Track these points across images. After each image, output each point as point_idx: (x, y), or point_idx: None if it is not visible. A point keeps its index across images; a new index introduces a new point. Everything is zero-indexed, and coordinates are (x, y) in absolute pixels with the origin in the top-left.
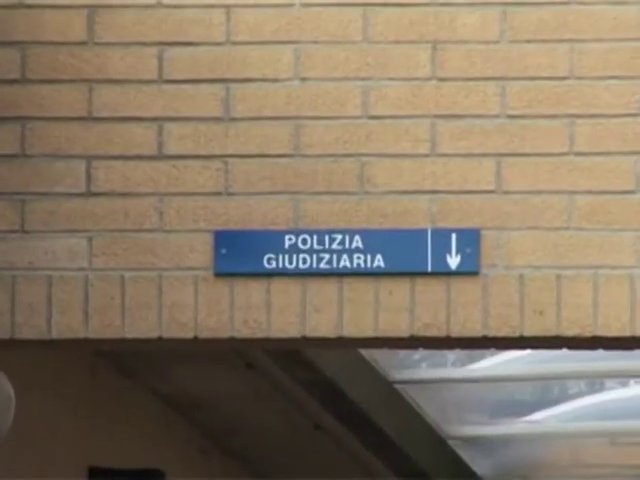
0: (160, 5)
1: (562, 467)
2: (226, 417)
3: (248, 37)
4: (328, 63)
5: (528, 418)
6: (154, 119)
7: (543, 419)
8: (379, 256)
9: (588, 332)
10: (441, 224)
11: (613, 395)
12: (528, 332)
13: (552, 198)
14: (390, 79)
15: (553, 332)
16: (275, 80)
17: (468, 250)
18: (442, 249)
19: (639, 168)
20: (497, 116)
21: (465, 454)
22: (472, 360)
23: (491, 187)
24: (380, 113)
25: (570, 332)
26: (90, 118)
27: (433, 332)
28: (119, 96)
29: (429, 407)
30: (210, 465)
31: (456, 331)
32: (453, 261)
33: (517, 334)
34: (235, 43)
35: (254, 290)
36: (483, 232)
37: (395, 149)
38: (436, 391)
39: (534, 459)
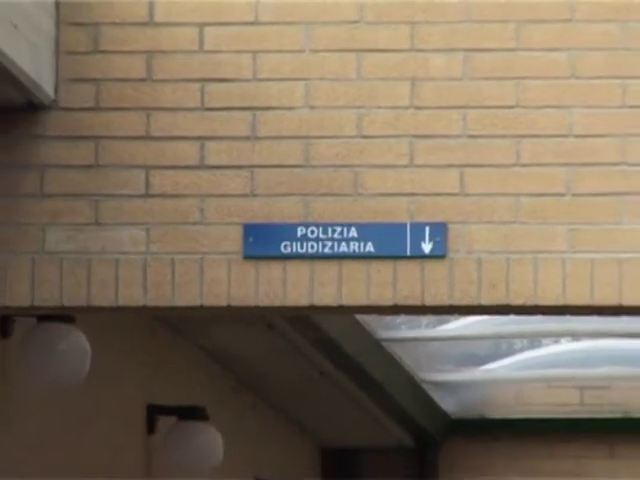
0: (202, 51)
1: (509, 406)
2: (252, 365)
3: (269, 75)
4: (330, 95)
5: (483, 367)
6: (197, 138)
7: (495, 368)
8: (370, 243)
9: (530, 301)
10: (417, 219)
11: (548, 350)
12: (484, 302)
13: (502, 199)
14: (378, 107)
15: (503, 302)
16: (290, 108)
17: (438, 239)
18: (418, 238)
19: (568, 176)
20: (460, 136)
21: (435, 395)
22: (441, 323)
23: (456, 191)
24: (370, 134)
25: (517, 302)
26: (148, 137)
27: (411, 302)
28: (170, 120)
29: (407, 359)
30: (240, 402)
31: (429, 301)
32: (426, 247)
33: (476, 303)
34: (259, 80)
35: (273, 269)
36: (450, 225)
37: (382, 161)
38: (413, 347)
39: (488, 399)
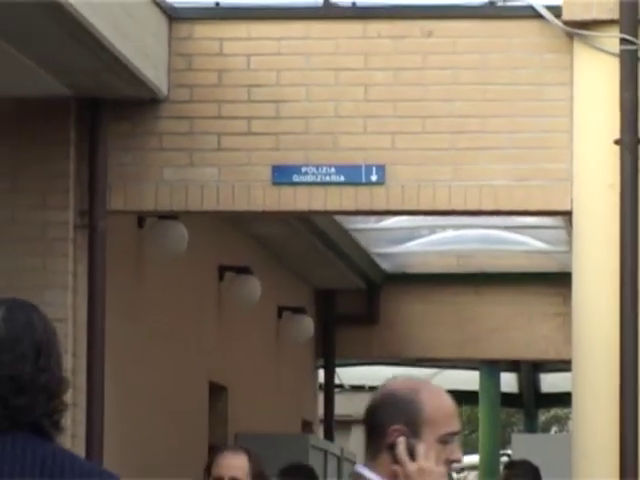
0: (248, 69)
1: (419, 266)
2: (277, 241)
3: (285, 82)
4: (320, 93)
5: (405, 245)
6: (245, 117)
7: (412, 245)
8: (342, 176)
9: (431, 208)
10: (369, 163)
11: (441, 235)
12: (405, 208)
13: (415, 152)
14: (347, 100)
15: (415, 207)
16: (297, 101)
17: (380, 173)
18: (369, 173)
19: (452, 137)
20: (392, 116)
21: (377, 259)
22: (380, 220)
23: (389, 147)
24: (342, 115)
25: (424, 208)
26: (219, 117)
27: (365, 208)
28: (231, 107)
29: (362, 239)
30: (271, 265)
31: (375, 207)
32: (374, 177)
33: (400, 209)
34: (280, 85)
35: (288, 190)
36: (387, 166)
37: (349, 130)
38: (365, 232)
39: (407, 262)
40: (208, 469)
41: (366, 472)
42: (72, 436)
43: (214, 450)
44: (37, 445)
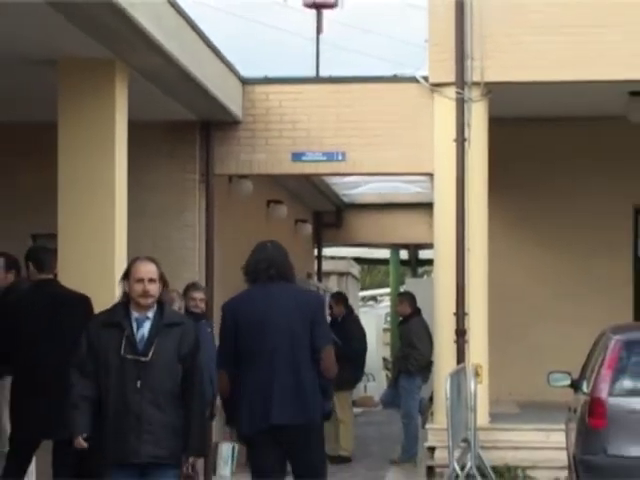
0: (281, 107)
1: (363, 196)
2: (290, 189)
3: (302, 112)
4: (318, 115)
5: (356, 189)
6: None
7: (360, 189)
8: (325, 156)
9: (357, 170)
10: (339, 150)
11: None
12: (355, 171)
13: (370, 154)
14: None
15: (357, 170)
16: (300, 121)
17: (346, 155)
18: (337, 156)
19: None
20: (348, 121)
21: (343, 197)
22: (343, 178)
23: (353, 142)
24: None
25: (360, 170)
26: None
27: (338, 171)
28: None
29: (335, 187)
30: (294, 202)
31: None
32: (340, 157)
33: (356, 171)
34: (298, 114)
35: (302, 166)
36: (347, 153)
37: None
38: (337, 184)
39: (357, 199)
40: (126, 275)
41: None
42: None
43: (131, 261)
44: (289, 286)
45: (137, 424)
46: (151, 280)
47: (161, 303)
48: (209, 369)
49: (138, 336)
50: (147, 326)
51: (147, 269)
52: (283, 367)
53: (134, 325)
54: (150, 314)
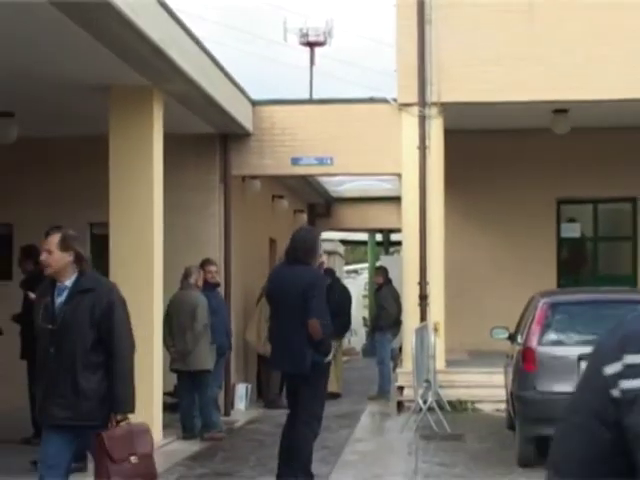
0: (287, 126)
1: (350, 191)
2: (290, 187)
3: (301, 129)
4: (316, 130)
5: (341, 186)
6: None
7: (344, 186)
8: (316, 161)
9: (342, 171)
10: (326, 154)
11: (354, 182)
12: (338, 171)
13: (356, 158)
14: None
15: (340, 171)
16: (300, 133)
17: (333, 160)
18: (326, 161)
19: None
20: (334, 132)
21: (331, 192)
22: (331, 177)
23: (340, 149)
24: (317, 138)
25: (343, 171)
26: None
27: (326, 172)
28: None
29: (325, 185)
30: (293, 196)
31: (332, 171)
32: (328, 160)
33: (341, 172)
34: (299, 131)
35: (299, 169)
36: (334, 158)
37: (318, 134)
38: (326, 182)
39: (342, 194)
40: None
41: None
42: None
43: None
44: (299, 268)
45: (52, 389)
46: (48, 251)
47: (81, 271)
48: (224, 325)
49: (57, 305)
50: (65, 295)
51: (46, 240)
52: (284, 329)
53: (55, 294)
54: (68, 283)
